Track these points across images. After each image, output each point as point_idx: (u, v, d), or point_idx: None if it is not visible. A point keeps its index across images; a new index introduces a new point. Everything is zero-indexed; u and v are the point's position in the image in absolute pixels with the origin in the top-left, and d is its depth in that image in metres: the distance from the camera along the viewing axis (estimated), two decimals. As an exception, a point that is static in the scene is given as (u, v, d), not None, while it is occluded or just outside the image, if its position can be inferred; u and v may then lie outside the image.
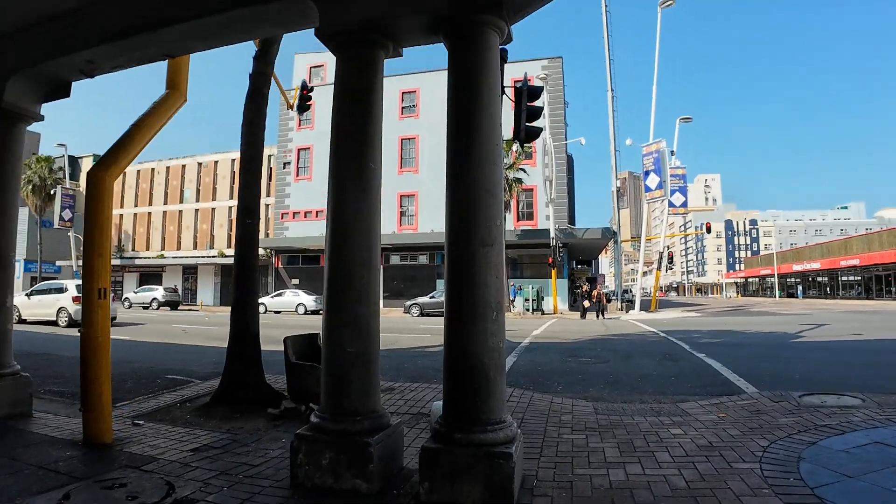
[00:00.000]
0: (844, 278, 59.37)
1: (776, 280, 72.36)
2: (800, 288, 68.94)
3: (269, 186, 48.79)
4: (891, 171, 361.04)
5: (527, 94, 6.97)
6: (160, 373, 9.33)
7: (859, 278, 56.12)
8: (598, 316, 26.49)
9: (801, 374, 8.60)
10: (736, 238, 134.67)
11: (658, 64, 34.19)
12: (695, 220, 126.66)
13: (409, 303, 31.21)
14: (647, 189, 32.76)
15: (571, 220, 46.30)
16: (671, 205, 37.67)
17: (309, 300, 32.03)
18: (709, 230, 46.54)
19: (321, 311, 4.23)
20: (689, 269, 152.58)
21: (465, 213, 3.68)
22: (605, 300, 28.69)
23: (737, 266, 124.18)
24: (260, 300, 34.35)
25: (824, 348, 12.21)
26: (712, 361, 9.95)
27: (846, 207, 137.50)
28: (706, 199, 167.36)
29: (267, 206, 48.39)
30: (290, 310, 32.07)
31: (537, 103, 7.08)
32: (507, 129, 7.69)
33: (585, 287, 28.36)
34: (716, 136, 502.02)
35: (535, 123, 7.15)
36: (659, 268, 41.39)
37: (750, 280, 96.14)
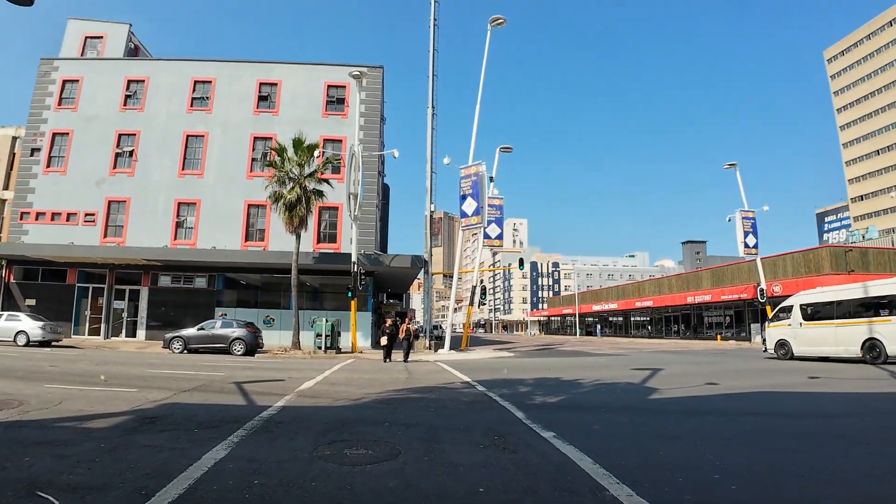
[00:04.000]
0: (636, 318, 63.25)
1: (577, 319, 75.49)
2: (598, 327, 72.52)
3: (8, 177, 37.92)
4: (664, 225, 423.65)
5: None
6: None
7: (649, 319, 59.87)
8: (405, 357, 22.10)
9: (736, 479, 4.76)
10: (540, 279, 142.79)
11: (483, 84, 31.98)
12: (504, 260, 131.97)
13: (169, 335, 24.08)
14: (464, 215, 29.75)
15: (383, 249, 42.38)
16: (486, 236, 35.40)
17: (34, 327, 24.08)
18: (522, 264, 45.89)
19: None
20: (497, 306, 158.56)
21: None
22: (413, 336, 24.52)
23: (540, 305, 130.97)
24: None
25: (708, 412, 8.80)
26: (570, 450, 5.79)
27: (633, 256, 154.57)
28: (514, 241, 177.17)
29: (3, 201, 37.50)
30: (7, 339, 23.83)
31: None
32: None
33: (388, 322, 23.71)
34: (525, 180, 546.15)
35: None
36: (472, 303, 38.88)
37: (552, 318, 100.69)
